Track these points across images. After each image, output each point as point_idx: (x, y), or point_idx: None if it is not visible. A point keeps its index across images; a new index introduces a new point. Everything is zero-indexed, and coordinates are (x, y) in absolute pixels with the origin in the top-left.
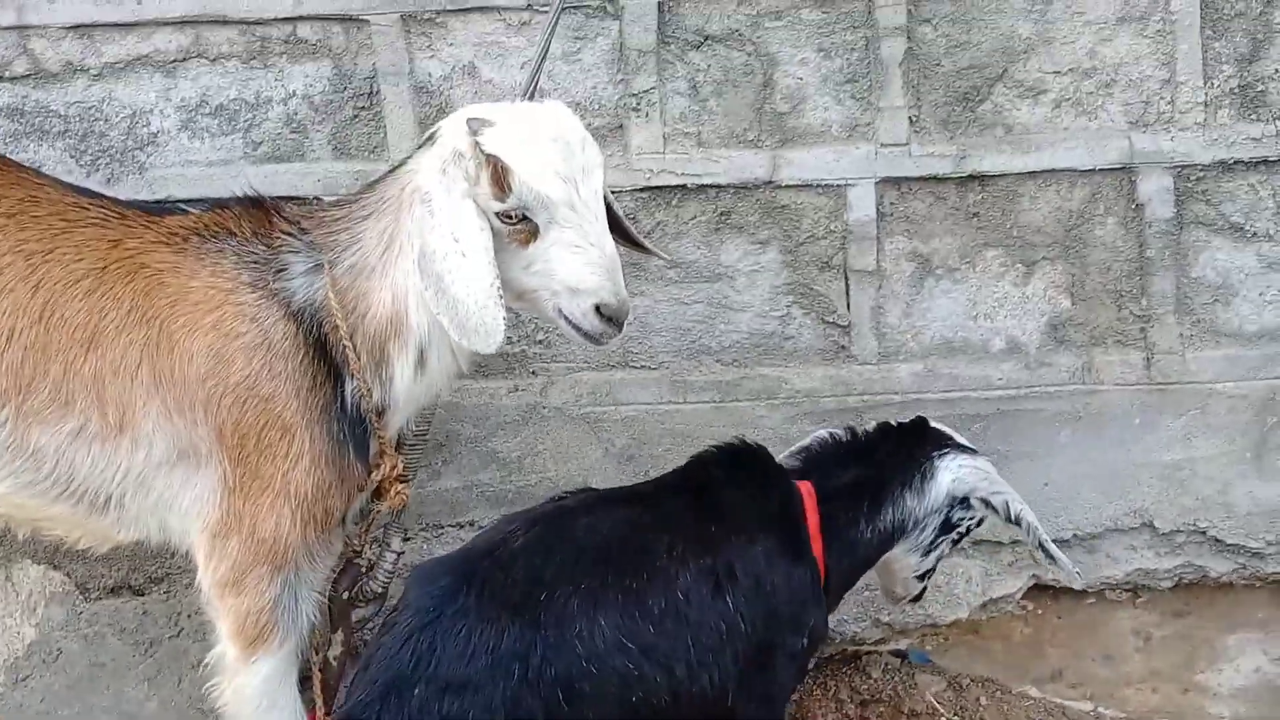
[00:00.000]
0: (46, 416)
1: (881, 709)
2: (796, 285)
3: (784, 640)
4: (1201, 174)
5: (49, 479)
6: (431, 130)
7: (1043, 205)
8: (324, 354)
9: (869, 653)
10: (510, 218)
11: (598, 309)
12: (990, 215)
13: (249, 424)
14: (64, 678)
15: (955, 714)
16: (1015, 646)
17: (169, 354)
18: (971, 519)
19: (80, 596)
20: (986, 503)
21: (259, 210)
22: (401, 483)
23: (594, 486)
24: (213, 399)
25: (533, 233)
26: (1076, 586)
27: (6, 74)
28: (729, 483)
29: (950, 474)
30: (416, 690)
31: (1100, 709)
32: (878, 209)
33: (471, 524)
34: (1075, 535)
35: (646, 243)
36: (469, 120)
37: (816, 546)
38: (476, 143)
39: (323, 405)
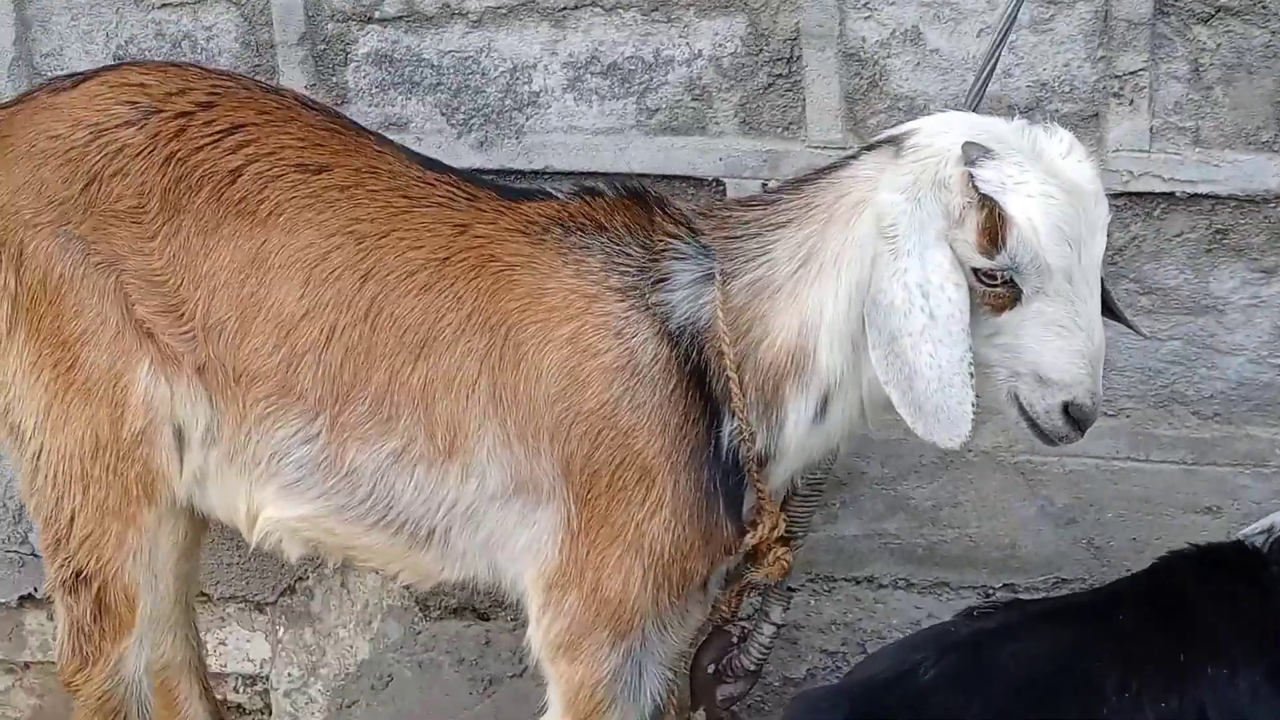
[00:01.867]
0: (366, 433)
1: None
2: None
3: None
4: None
5: (365, 504)
6: (895, 132)
7: None
8: (701, 386)
9: None
10: (991, 278)
11: (1066, 407)
12: None
13: (602, 460)
14: (391, 710)
15: None
16: None
17: (514, 369)
18: None
19: (420, 614)
20: None
21: (639, 203)
22: (783, 546)
23: (1022, 599)
24: (561, 426)
25: (1013, 299)
26: None
27: (376, 14)
28: (1205, 590)
29: None
30: None
31: None
32: None
33: (870, 580)
34: None
35: (1128, 316)
36: (967, 145)
37: None
38: (971, 175)
39: (693, 448)
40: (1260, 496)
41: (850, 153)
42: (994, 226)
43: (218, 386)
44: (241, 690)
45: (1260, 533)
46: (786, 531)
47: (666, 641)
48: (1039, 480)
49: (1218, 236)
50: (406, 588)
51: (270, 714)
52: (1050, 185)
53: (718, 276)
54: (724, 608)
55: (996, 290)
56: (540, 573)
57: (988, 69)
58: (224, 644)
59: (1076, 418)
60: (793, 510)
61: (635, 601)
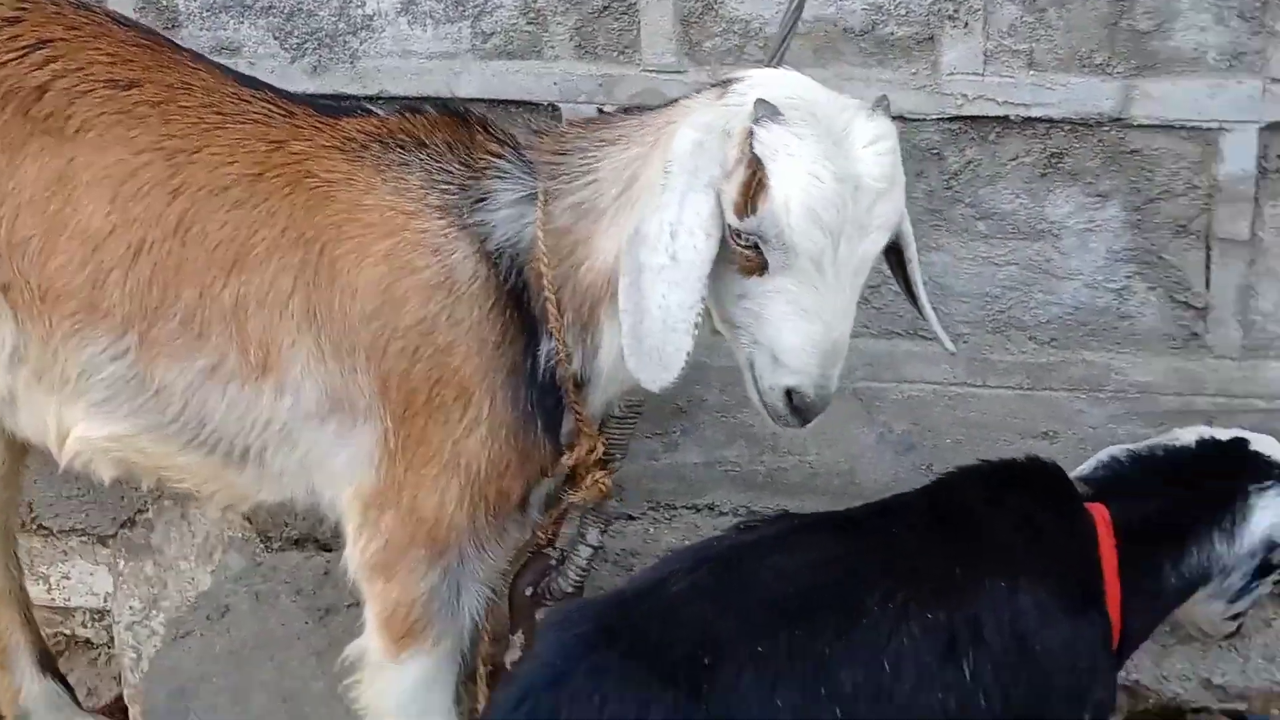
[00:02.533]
0: (176, 349)
1: None
2: (1141, 252)
3: (1056, 717)
4: None
5: (176, 423)
6: (732, 76)
7: None
8: (519, 306)
9: (1198, 709)
10: (739, 238)
11: (789, 392)
12: None
13: (419, 378)
14: (227, 641)
15: None
16: None
17: (329, 285)
18: None
19: (261, 545)
20: None
21: (460, 121)
22: (601, 469)
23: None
24: (378, 344)
25: (760, 267)
26: None
27: None
28: (992, 509)
29: (1270, 516)
30: None
31: None
32: (1259, 163)
33: (710, 507)
34: None
35: (934, 322)
36: (759, 102)
37: (1113, 593)
38: (751, 133)
39: (510, 367)
40: (1096, 421)
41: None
42: (752, 189)
43: (24, 304)
44: (89, 625)
45: (1096, 464)
46: (604, 454)
47: (484, 561)
48: (877, 407)
49: (1053, 160)
50: (248, 519)
51: (113, 646)
52: (824, 168)
53: (540, 196)
54: (543, 532)
55: (745, 252)
56: (357, 492)
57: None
58: (67, 578)
59: (798, 405)
60: (611, 433)
61: (451, 520)
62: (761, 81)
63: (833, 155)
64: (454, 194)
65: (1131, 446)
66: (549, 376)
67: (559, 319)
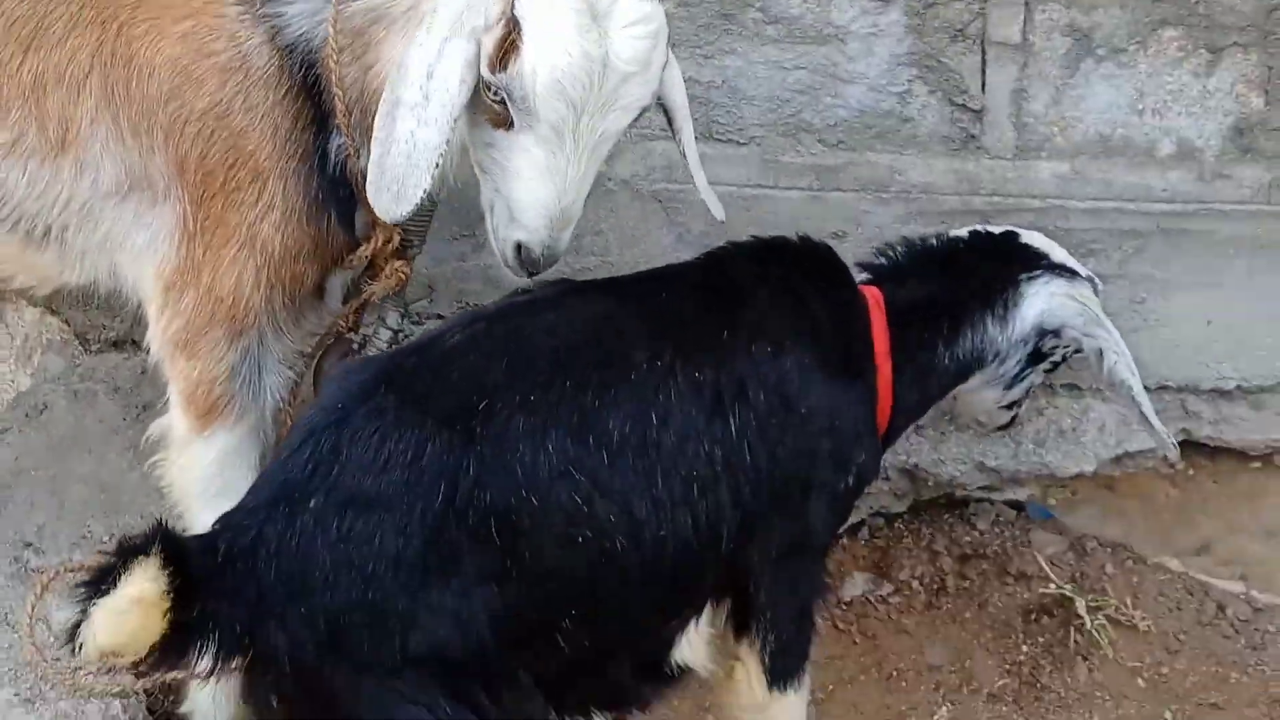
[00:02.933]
0: None
1: (984, 566)
2: (922, 56)
3: (822, 478)
4: None
5: None
6: None
7: None
8: (311, 100)
9: (978, 500)
10: (491, 90)
11: (519, 247)
12: None
13: (216, 160)
14: (46, 436)
15: (1070, 581)
16: (1157, 511)
17: (125, 64)
18: (1068, 347)
19: (80, 347)
20: (1077, 346)
21: None
22: (399, 259)
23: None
24: (175, 124)
25: (507, 122)
26: (1171, 457)
27: None
28: (762, 280)
29: (1040, 303)
30: (313, 501)
31: (1254, 592)
32: None
33: None
34: (1240, 386)
35: (704, 188)
36: None
37: (884, 370)
38: None
39: (302, 154)
40: (882, 221)
41: None
42: (506, 48)
43: None
44: None
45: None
46: (402, 243)
47: (283, 343)
48: (675, 208)
49: None
50: (66, 322)
51: None
52: (575, 44)
53: None
54: (343, 320)
55: (495, 106)
56: (159, 273)
57: None
58: None
59: (525, 260)
60: (407, 225)
61: (249, 300)
62: None
63: (587, 30)
64: None
65: (908, 237)
66: (339, 170)
67: (346, 115)
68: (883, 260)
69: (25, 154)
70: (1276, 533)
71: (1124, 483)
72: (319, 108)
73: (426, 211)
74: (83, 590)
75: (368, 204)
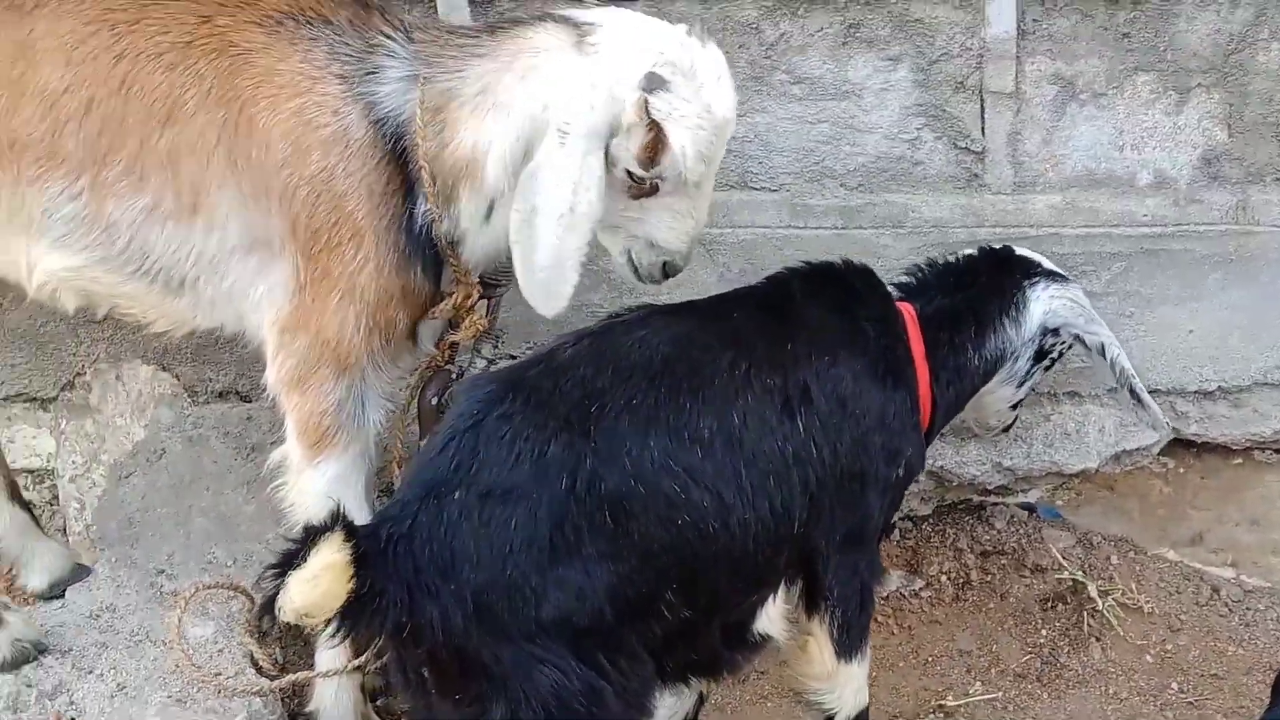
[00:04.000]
0: (121, 191)
1: (1003, 561)
2: (928, 106)
3: (875, 470)
4: None
5: (123, 255)
6: (578, 17)
7: (1200, 26)
8: (400, 167)
9: (995, 504)
10: (638, 179)
11: (665, 265)
12: (1142, 36)
13: (321, 220)
14: (166, 478)
15: (1081, 570)
16: (1153, 506)
17: (247, 137)
18: (1063, 344)
19: (188, 399)
20: (1079, 339)
21: (362, 3)
22: (474, 314)
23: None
24: (288, 189)
25: (651, 192)
26: (1160, 434)
27: None
28: (816, 299)
29: (1043, 304)
30: (457, 494)
31: (1244, 576)
32: (1019, 25)
33: None
34: (1220, 388)
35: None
36: (650, 75)
37: (922, 373)
38: (647, 102)
39: (393, 214)
40: (899, 254)
41: (537, 14)
42: (655, 147)
43: None
44: (31, 487)
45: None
46: (486, 284)
47: (382, 380)
48: (717, 250)
49: (851, 30)
50: (176, 376)
51: (57, 504)
52: (704, 119)
53: (421, 79)
54: (440, 356)
55: (640, 187)
56: (275, 319)
57: None
58: (12, 442)
59: (669, 272)
60: (493, 278)
61: (351, 341)
62: (618, 33)
63: (705, 104)
64: (352, 65)
65: (930, 257)
66: (425, 231)
67: (431, 184)
68: (912, 280)
69: (164, 216)
70: (1260, 521)
71: (1123, 482)
72: (405, 175)
73: (504, 273)
74: (273, 571)
75: (450, 262)
